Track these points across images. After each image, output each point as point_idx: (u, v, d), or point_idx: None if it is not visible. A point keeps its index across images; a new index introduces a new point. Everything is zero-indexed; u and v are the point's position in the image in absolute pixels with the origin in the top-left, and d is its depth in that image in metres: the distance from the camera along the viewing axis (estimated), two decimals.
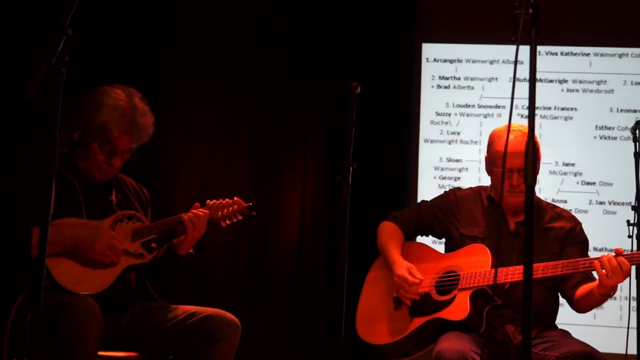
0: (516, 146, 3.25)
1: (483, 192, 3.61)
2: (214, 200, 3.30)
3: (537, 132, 2.58)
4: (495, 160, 3.48)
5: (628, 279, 3.54)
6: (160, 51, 4.98)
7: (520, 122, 3.49)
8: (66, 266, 3.02)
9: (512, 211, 3.48)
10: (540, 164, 3.55)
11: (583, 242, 3.52)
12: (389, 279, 3.53)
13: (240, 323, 3.18)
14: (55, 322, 2.80)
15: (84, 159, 3.17)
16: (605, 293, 3.23)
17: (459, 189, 3.73)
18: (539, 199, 3.58)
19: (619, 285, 4.74)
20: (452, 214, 3.59)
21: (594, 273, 3.27)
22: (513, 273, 3.27)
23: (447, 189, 3.76)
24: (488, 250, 3.38)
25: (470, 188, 3.70)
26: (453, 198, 3.63)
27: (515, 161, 3.29)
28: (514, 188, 3.40)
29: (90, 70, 3.26)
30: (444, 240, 3.69)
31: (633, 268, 3.71)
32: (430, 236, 3.78)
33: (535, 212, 3.43)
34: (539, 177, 4.80)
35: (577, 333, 3.45)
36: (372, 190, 4.84)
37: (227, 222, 3.30)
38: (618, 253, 3.16)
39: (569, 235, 3.49)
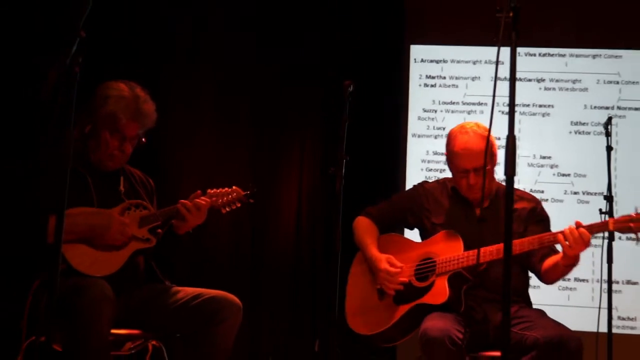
0: (469, 148, 3.32)
1: (448, 182, 3.59)
2: (215, 189, 3.31)
3: (516, 128, 2.59)
4: (450, 160, 3.48)
5: (600, 263, 3.55)
6: (163, 52, 4.97)
7: (475, 121, 3.51)
8: (80, 251, 3.02)
9: (476, 200, 3.48)
10: (497, 156, 3.50)
11: (544, 219, 3.49)
12: (371, 271, 3.53)
13: (242, 303, 3.18)
14: (71, 304, 2.79)
15: (96, 150, 3.18)
16: (570, 263, 3.22)
17: (426, 182, 3.70)
18: (499, 184, 3.58)
19: (592, 269, 4.78)
20: (422, 205, 3.57)
21: (558, 247, 3.27)
22: (485, 254, 3.26)
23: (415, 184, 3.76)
24: (459, 235, 3.37)
25: (436, 181, 3.69)
26: (422, 191, 3.61)
27: (470, 162, 3.34)
28: (472, 186, 3.40)
29: (97, 72, 3.25)
30: (416, 231, 3.67)
31: (604, 252, 3.74)
32: (404, 228, 3.78)
33: (496, 197, 3.47)
34: (518, 168, 4.84)
35: (552, 313, 3.45)
36: (364, 181, 4.84)
37: (227, 209, 3.31)
38: (578, 225, 3.15)
39: (531, 215, 3.46)
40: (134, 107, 3.18)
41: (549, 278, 3.40)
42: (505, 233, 2.38)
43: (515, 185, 2.87)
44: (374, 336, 3.46)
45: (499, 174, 3.51)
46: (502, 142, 2.55)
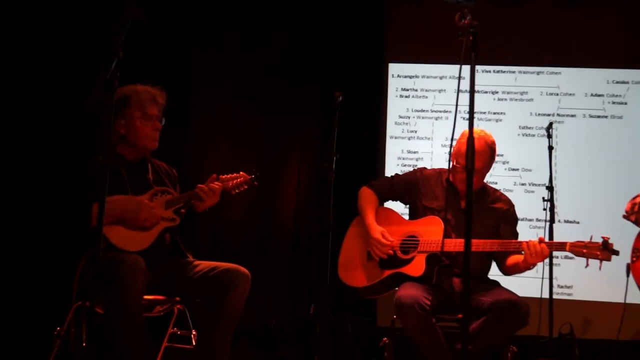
0: (477, 149, 3.22)
1: (443, 174, 3.53)
2: (226, 175, 3.30)
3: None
4: (455, 155, 3.38)
5: None
6: (185, 69, 4.97)
7: (480, 128, 3.44)
8: (117, 231, 3.02)
9: (464, 193, 3.46)
10: (493, 160, 3.50)
11: (514, 221, 3.48)
12: (365, 235, 3.48)
13: (250, 274, 3.18)
14: (111, 274, 2.78)
15: (136, 138, 3.18)
16: (528, 268, 3.24)
17: (425, 168, 3.65)
18: (485, 183, 3.55)
19: None
20: (417, 188, 3.53)
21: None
22: (460, 244, 3.24)
23: (415, 168, 3.73)
24: (442, 223, 3.35)
25: (434, 169, 3.63)
26: (420, 176, 3.56)
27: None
28: (465, 179, 3.36)
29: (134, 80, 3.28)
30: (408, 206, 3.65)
31: (547, 233, 3.74)
32: (398, 202, 3.77)
33: (481, 194, 3.45)
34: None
35: (504, 282, 3.46)
36: (351, 175, 4.82)
37: (236, 190, 3.28)
38: (541, 240, 3.15)
39: (505, 215, 3.46)
40: (147, 93, 3.22)
41: (509, 272, 3.38)
42: (465, 214, 2.39)
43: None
44: (359, 289, 3.45)
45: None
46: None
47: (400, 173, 3.69)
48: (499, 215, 3.45)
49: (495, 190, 3.58)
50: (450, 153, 2.93)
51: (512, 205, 3.52)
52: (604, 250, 3.05)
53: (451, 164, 3.44)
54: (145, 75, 3.23)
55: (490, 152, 3.40)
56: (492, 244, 3.25)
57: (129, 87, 3.21)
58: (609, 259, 3.06)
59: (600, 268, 3.07)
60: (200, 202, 3.20)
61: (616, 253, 3.07)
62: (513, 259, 3.32)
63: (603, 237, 3.06)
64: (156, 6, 4.51)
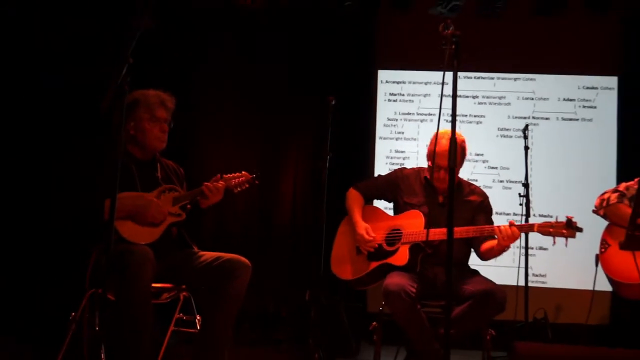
0: (445, 149, 3.23)
1: (421, 172, 3.55)
2: (229, 174, 3.27)
3: (457, 132, 2.58)
4: (430, 156, 3.42)
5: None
6: (185, 70, 4.94)
7: (449, 129, 3.44)
8: (128, 225, 2.99)
9: (441, 190, 3.47)
10: (464, 157, 3.50)
11: (489, 211, 3.48)
12: (353, 232, 3.51)
13: (251, 264, 3.17)
14: (121, 264, 2.76)
15: (145, 139, 3.15)
16: (502, 250, 3.23)
17: (404, 168, 3.66)
18: (460, 178, 3.56)
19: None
20: (398, 186, 3.54)
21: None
22: (440, 233, 3.26)
23: (396, 168, 3.74)
24: (422, 215, 3.37)
25: (413, 168, 3.64)
26: (400, 175, 3.57)
27: (445, 161, 3.24)
28: (442, 179, 3.37)
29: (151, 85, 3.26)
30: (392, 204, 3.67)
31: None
32: (382, 200, 3.76)
33: (457, 188, 3.46)
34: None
35: (484, 271, 3.46)
36: (343, 172, 4.83)
37: (238, 189, 3.25)
38: (511, 224, 3.14)
39: (480, 206, 3.46)
40: (157, 97, 3.18)
41: (484, 257, 3.38)
42: (448, 209, 2.38)
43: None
44: (350, 281, 3.46)
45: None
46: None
47: (386, 172, 3.70)
48: (474, 207, 3.45)
49: (470, 184, 3.58)
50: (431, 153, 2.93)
51: (486, 197, 3.52)
52: (569, 228, 3.05)
53: (428, 163, 3.46)
54: (145, 76, 3.20)
55: (460, 150, 3.40)
56: (467, 230, 3.25)
57: (140, 92, 3.18)
58: (573, 236, 3.05)
59: (566, 245, 3.06)
60: (205, 199, 3.18)
61: (580, 230, 3.06)
62: (488, 244, 3.32)
63: (567, 217, 3.06)
64: (157, 7, 4.48)
